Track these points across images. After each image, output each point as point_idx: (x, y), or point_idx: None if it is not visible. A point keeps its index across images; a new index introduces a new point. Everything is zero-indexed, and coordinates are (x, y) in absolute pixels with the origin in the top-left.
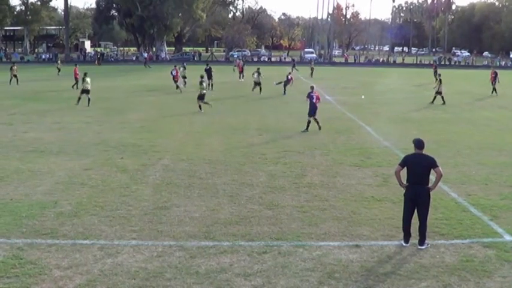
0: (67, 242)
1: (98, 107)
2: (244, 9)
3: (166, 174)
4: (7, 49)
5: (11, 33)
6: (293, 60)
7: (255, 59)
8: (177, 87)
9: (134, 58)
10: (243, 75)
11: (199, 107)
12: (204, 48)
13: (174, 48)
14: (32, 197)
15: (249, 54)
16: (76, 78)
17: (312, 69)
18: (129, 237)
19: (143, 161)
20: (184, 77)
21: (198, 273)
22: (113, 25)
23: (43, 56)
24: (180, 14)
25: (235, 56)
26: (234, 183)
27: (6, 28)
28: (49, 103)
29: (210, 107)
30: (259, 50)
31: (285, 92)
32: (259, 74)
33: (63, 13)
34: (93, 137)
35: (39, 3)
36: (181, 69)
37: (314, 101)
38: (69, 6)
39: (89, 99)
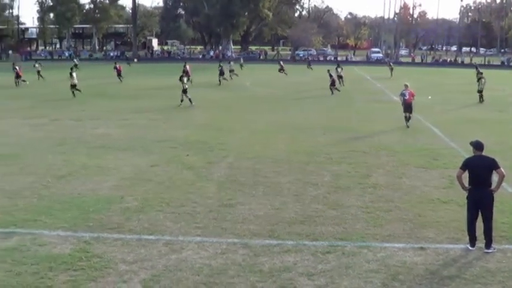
0: (133, 237)
1: (164, 104)
2: (311, 8)
3: (231, 172)
4: (76, 47)
5: (80, 31)
6: (308, 59)
7: (321, 59)
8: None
9: (200, 56)
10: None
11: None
12: (270, 47)
13: (240, 47)
14: (99, 192)
15: (315, 53)
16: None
17: (392, 69)
18: (194, 234)
19: (209, 159)
20: (232, 71)
21: (261, 272)
22: (179, 23)
23: (111, 54)
24: (246, 13)
25: (299, 54)
26: (298, 182)
27: (75, 26)
28: (117, 100)
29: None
30: (325, 49)
31: (332, 92)
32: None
33: (131, 11)
34: (160, 134)
35: (107, 1)
36: (231, 64)
37: (407, 98)
38: (137, 4)
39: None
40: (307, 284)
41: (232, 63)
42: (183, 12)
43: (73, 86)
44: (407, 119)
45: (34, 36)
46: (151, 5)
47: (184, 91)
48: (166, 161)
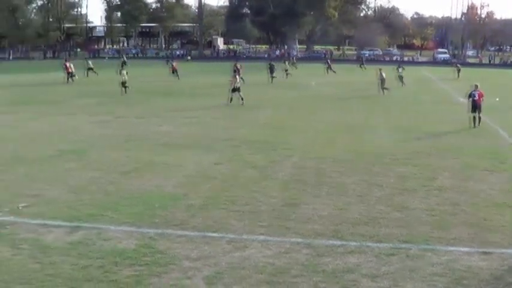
0: (197, 234)
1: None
2: (376, 8)
3: (295, 172)
4: (143, 45)
5: (147, 30)
6: (361, 58)
7: (387, 59)
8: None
9: (266, 56)
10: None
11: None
12: (336, 47)
13: (305, 47)
14: (164, 188)
15: (381, 53)
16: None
17: (459, 70)
18: (258, 233)
19: (272, 158)
20: (286, 70)
21: (324, 272)
22: (245, 23)
23: (177, 53)
24: (311, 12)
25: (365, 54)
26: (363, 183)
27: (142, 25)
28: (181, 98)
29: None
30: (391, 49)
31: (383, 92)
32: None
33: (197, 10)
34: (224, 132)
35: (173, 0)
36: (286, 63)
37: (476, 98)
38: (202, 3)
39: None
40: (370, 286)
41: (287, 62)
42: (248, 12)
43: (123, 83)
44: (475, 119)
45: (101, 34)
46: (217, 4)
47: (235, 89)
48: (230, 159)
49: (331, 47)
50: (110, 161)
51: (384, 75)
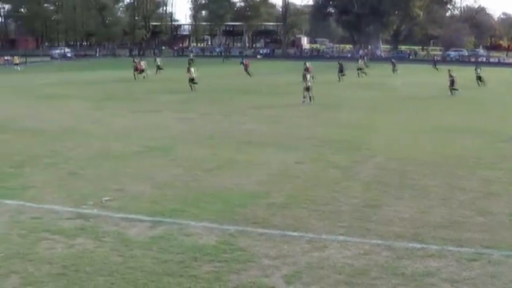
0: (276, 233)
1: (313, 102)
2: (463, 8)
3: (378, 173)
4: (227, 43)
5: (231, 29)
6: (434, 60)
7: (472, 59)
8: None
9: (349, 55)
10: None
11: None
12: (420, 47)
13: (390, 46)
14: (246, 186)
15: (466, 54)
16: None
17: None
18: (337, 233)
19: (354, 158)
20: (360, 69)
21: (403, 275)
22: (329, 22)
23: (260, 52)
24: (396, 12)
25: (450, 55)
26: (446, 186)
27: (226, 23)
28: (265, 96)
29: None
30: (477, 50)
31: (451, 93)
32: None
33: (281, 9)
34: (306, 131)
35: (258, 0)
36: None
37: None
38: (287, 2)
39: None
40: None
41: (360, 61)
42: (332, 11)
43: (191, 80)
44: None
45: (186, 33)
46: (301, 3)
47: (307, 89)
48: (312, 158)
49: (416, 47)
50: (193, 158)
51: (453, 76)
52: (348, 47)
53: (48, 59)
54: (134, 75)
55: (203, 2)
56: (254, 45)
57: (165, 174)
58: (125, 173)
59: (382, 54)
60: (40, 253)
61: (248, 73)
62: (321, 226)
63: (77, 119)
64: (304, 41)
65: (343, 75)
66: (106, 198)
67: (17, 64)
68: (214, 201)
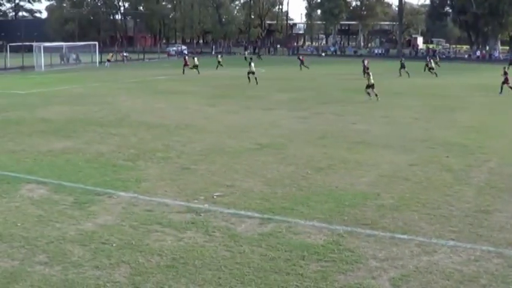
0: (385, 235)
1: (428, 103)
2: None
3: (492, 178)
4: (342, 42)
5: (346, 28)
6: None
7: None
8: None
9: (466, 56)
10: None
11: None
12: None
13: (508, 47)
14: (356, 186)
15: None
16: None
17: None
18: (448, 238)
19: (468, 162)
20: (431, 68)
21: None
22: (446, 22)
23: (375, 51)
24: None
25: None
26: None
27: (341, 22)
28: (382, 97)
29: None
30: None
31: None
32: None
33: (397, 9)
34: (420, 133)
35: None
36: (431, 61)
37: None
38: (403, 2)
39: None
40: None
41: (432, 60)
42: (449, 11)
43: (250, 73)
44: None
45: (301, 31)
46: (418, 3)
47: (369, 86)
48: (425, 161)
49: None
50: (305, 156)
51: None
52: (465, 47)
53: (165, 56)
54: (183, 69)
55: (318, 1)
56: (369, 45)
57: (276, 171)
58: (236, 170)
59: (500, 55)
60: (150, 245)
61: (306, 66)
62: (431, 230)
63: (191, 115)
64: (420, 41)
65: (406, 72)
66: (217, 194)
67: (108, 61)
68: (324, 201)
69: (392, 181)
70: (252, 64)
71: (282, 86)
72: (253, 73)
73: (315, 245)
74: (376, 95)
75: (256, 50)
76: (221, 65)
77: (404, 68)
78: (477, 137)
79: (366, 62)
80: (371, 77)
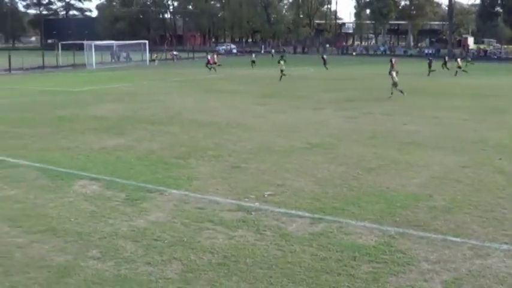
0: (437, 237)
1: (478, 105)
2: None
3: None
4: (392, 42)
5: (395, 27)
6: None
7: None
8: None
9: None
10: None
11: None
12: None
13: None
14: (407, 188)
15: None
16: None
17: None
18: (501, 241)
19: None
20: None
21: None
22: (497, 22)
23: (425, 51)
24: None
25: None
26: None
27: (390, 22)
28: (428, 97)
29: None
30: None
31: None
32: None
33: (447, 9)
34: (471, 134)
35: None
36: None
37: None
38: (453, 1)
39: None
40: None
41: (459, 59)
42: (500, 10)
43: (281, 71)
44: None
45: (350, 31)
46: (468, 3)
47: (394, 84)
48: (477, 162)
49: None
50: (355, 156)
51: None
52: None
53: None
54: (208, 67)
55: (367, 0)
56: (419, 44)
57: (327, 171)
58: (286, 169)
59: None
60: (202, 242)
61: (326, 67)
62: (484, 233)
63: (240, 113)
64: (471, 41)
65: (433, 70)
66: (268, 193)
67: (153, 60)
68: (375, 201)
69: (444, 183)
70: (282, 62)
71: (332, 85)
72: (281, 71)
73: (366, 246)
74: (392, 93)
75: (305, 50)
76: (254, 64)
77: (430, 67)
78: None
79: (393, 60)
80: (394, 75)
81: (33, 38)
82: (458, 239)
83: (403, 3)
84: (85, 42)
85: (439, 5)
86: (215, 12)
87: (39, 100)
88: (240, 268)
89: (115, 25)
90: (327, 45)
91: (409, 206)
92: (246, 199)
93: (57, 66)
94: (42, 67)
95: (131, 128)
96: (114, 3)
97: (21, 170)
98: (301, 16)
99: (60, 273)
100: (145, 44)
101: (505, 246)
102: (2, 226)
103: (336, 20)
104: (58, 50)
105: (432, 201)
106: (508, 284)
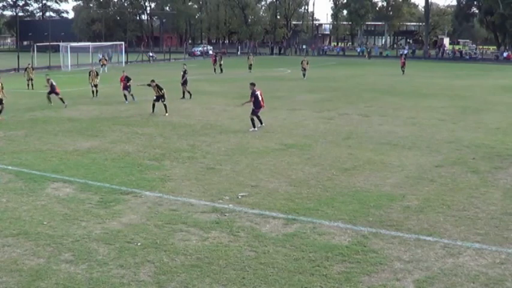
0: (410, 236)
1: (454, 105)
2: None
3: None
4: (367, 43)
5: (372, 28)
6: None
7: None
8: None
9: (493, 57)
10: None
11: None
12: None
13: None
14: (381, 188)
15: None
16: None
17: None
18: (473, 240)
19: (495, 164)
20: None
21: None
22: (473, 23)
23: (401, 52)
24: None
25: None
26: None
27: (367, 23)
28: (404, 98)
29: None
30: None
31: None
32: None
33: (423, 10)
34: (447, 134)
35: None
36: None
37: None
38: (429, 2)
39: None
40: None
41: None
42: (476, 12)
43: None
44: None
45: (327, 32)
46: (444, 4)
47: None
48: (451, 162)
49: None
50: (330, 157)
51: None
52: (492, 48)
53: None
54: (214, 68)
55: (344, 1)
56: (395, 45)
57: (301, 172)
58: (261, 170)
59: None
60: (175, 244)
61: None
62: (457, 232)
63: (216, 115)
64: (447, 42)
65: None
66: (242, 194)
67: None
68: (349, 201)
69: (418, 182)
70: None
71: (309, 87)
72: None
73: (339, 246)
74: None
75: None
76: (250, 67)
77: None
78: (504, 139)
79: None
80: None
81: (9, 40)
82: (431, 238)
83: (380, 4)
84: (61, 43)
85: (415, 6)
86: (192, 13)
87: (12, 102)
88: (213, 269)
89: (91, 27)
90: (304, 46)
91: (382, 206)
92: (220, 200)
93: (32, 68)
94: (17, 69)
95: (106, 130)
96: (91, 5)
97: None
98: (279, 17)
99: (32, 277)
100: (121, 45)
101: (477, 245)
102: None
103: (312, 21)
104: (33, 52)
105: (406, 201)
106: (479, 282)
